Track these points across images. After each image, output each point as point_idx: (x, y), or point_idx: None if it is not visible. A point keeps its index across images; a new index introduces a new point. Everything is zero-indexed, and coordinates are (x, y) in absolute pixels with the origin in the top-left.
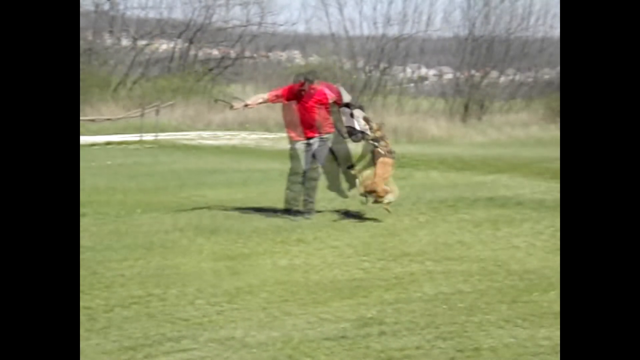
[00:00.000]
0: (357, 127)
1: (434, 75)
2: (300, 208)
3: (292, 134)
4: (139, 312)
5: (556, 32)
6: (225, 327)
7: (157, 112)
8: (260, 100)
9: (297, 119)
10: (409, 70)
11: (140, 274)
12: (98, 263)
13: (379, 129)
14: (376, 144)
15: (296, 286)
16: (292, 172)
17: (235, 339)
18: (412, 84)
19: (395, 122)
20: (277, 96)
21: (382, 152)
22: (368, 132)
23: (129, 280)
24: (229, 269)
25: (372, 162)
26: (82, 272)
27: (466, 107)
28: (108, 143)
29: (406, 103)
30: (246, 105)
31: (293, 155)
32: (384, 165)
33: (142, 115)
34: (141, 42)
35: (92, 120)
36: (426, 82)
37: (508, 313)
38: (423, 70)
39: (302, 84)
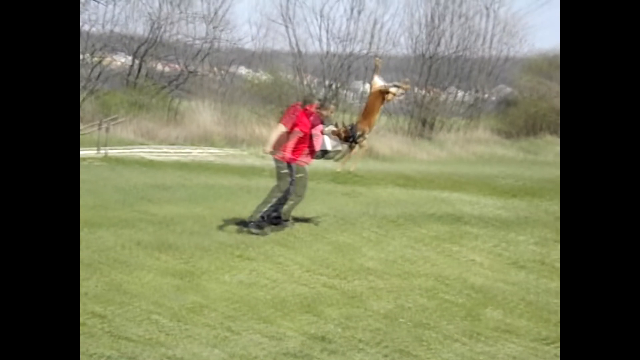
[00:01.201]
0: (329, 148)
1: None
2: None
3: (281, 155)
4: (83, 332)
5: (494, 53)
6: (171, 347)
7: (107, 128)
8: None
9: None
10: (360, 87)
11: (85, 293)
12: None
13: (346, 130)
14: (353, 142)
15: (245, 304)
16: (280, 190)
17: (177, 358)
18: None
19: None
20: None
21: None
22: (338, 145)
23: None
24: (176, 288)
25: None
26: None
27: (423, 124)
28: None
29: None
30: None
31: (284, 175)
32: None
33: (99, 129)
34: (94, 57)
35: None
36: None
37: (454, 330)
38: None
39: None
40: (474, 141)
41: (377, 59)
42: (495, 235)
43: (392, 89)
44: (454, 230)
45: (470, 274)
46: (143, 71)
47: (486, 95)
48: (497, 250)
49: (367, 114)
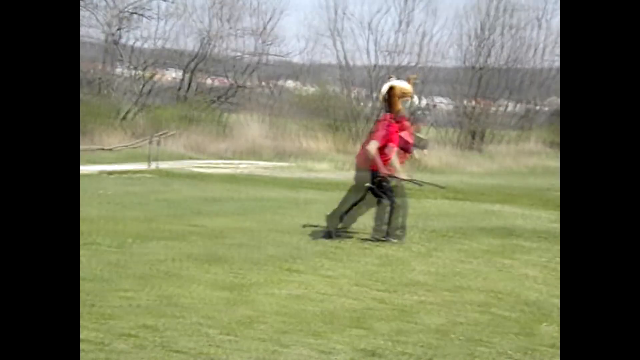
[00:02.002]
0: None
1: (441, 103)
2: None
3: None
4: (135, 345)
5: (546, 64)
6: None
7: (158, 142)
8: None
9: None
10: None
11: (137, 305)
12: (93, 295)
13: None
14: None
15: (294, 318)
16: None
17: None
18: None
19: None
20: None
21: None
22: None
23: (124, 312)
24: (226, 300)
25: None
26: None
27: (473, 136)
28: (110, 173)
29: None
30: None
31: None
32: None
33: (150, 143)
34: (146, 72)
35: (90, 150)
36: (427, 112)
37: (508, 346)
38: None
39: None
40: (525, 153)
41: (411, 76)
42: (549, 249)
43: (396, 85)
44: (506, 244)
45: (523, 288)
46: (193, 86)
47: (538, 107)
48: (552, 264)
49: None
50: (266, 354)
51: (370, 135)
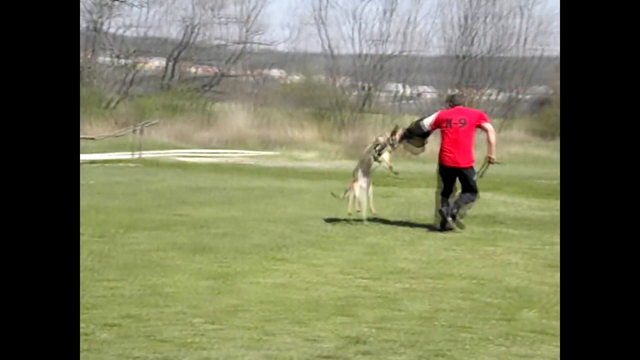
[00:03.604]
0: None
1: (426, 92)
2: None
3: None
4: (119, 334)
5: (529, 52)
6: (207, 348)
7: (142, 131)
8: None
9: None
10: (394, 89)
11: (121, 295)
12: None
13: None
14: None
15: (280, 306)
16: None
17: None
18: (404, 101)
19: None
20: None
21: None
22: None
23: (108, 302)
24: (211, 290)
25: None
26: None
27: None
28: (94, 162)
29: (387, 121)
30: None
31: None
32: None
33: (134, 132)
34: (130, 61)
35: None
36: (411, 101)
37: (490, 331)
38: (402, 89)
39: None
40: (508, 141)
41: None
42: (531, 236)
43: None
44: (489, 231)
45: (505, 275)
46: (177, 74)
47: (520, 95)
48: (533, 251)
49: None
50: (251, 342)
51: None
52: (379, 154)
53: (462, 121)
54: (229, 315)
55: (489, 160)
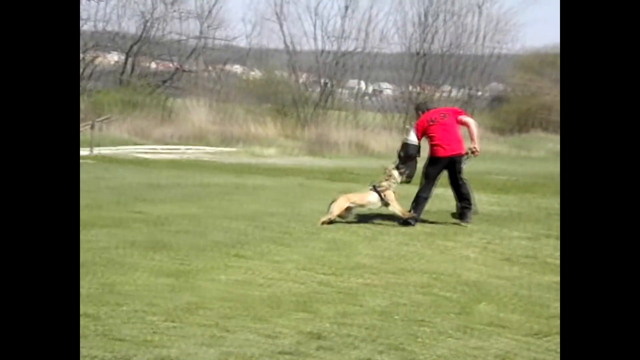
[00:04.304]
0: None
1: (387, 89)
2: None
3: None
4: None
5: (487, 51)
6: (165, 347)
7: (100, 127)
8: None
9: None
10: (356, 86)
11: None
12: None
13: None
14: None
15: (239, 303)
16: None
17: (172, 358)
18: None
19: (336, 137)
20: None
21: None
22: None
23: None
24: (170, 287)
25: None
26: None
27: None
28: None
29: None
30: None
31: None
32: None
33: (91, 128)
34: (86, 55)
35: None
36: (373, 98)
37: (447, 325)
38: (363, 86)
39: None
40: (467, 137)
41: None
42: (489, 231)
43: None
44: (448, 227)
45: (464, 269)
46: (136, 70)
47: (479, 93)
48: (491, 246)
49: None
50: (210, 339)
51: None
52: (386, 203)
53: (443, 115)
54: (187, 312)
55: (473, 152)
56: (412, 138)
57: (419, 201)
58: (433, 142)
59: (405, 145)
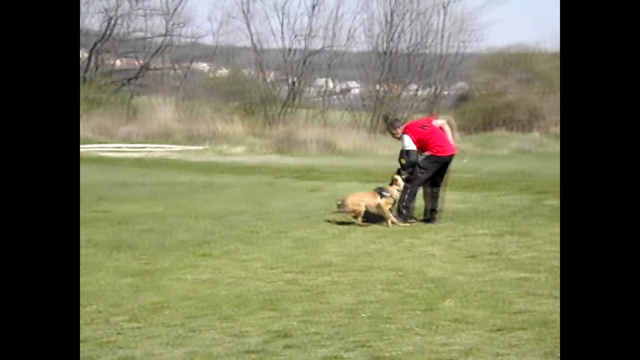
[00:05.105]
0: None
1: (355, 88)
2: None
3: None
4: None
5: (451, 50)
6: (127, 347)
7: None
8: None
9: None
10: (323, 85)
11: None
12: None
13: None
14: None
15: (204, 302)
16: None
17: (136, 359)
18: (334, 97)
19: (304, 135)
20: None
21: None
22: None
23: None
24: (133, 287)
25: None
26: None
27: (385, 120)
28: None
29: (317, 116)
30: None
31: None
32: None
33: None
34: None
35: None
36: (340, 96)
37: (411, 321)
38: (331, 85)
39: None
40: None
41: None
42: (455, 229)
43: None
44: (414, 224)
45: (429, 267)
46: (100, 67)
47: (445, 92)
48: (456, 243)
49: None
50: (174, 339)
51: None
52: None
53: (423, 126)
54: (151, 312)
55: (464, 150)
56: (410, 145)
57: (410, 199)
58: (435, 144)
59: (407, 153)
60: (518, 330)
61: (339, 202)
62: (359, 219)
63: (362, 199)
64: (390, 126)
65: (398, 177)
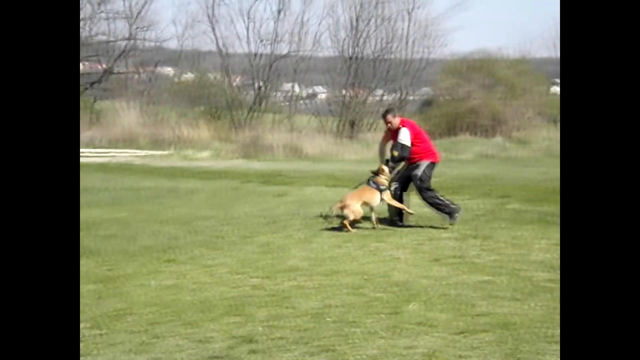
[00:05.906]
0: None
1: (321, 93)
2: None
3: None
4: None
5: (416, 55)
6: (87, 355)
7: None
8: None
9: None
10: (290, 90)
11: None
12: None
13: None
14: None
15: (168, 308)
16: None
17: None
18: (301, 101)
19: (271, 140)
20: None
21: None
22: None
23: None
24: (96, 293)
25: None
26: None
27: (352, 125)
28: None
29: (283, 121)
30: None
31: None
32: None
33: None
34: None
35: None
36: (307, 101)
37: (376, 325)
38: (297, 89)
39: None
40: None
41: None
42: (419, 233)
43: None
44: (379, 229)
45: (394, 270)
46: None
47: (410, 97)
48: (421, 247)
49: None
50: (137, 346)
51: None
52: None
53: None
54: (114, 319)
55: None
56: (408, 140)
57: (438, 203)
58: (431, 148)
59: (402, 147)
60: (480, 332)
61: (330, 208)
62: (348, 222)
63: (362, 198)
64: (387, 113)
65: (385, 168)
